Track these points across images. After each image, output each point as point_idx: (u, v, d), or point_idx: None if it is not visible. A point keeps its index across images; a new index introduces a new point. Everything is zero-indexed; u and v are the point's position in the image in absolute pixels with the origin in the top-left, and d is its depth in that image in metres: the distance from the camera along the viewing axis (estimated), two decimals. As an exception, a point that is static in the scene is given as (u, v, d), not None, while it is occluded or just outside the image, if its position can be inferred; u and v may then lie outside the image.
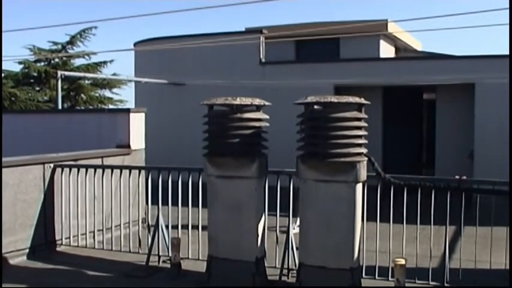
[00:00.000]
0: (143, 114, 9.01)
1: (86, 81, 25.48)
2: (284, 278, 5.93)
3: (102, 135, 8.76)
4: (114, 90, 26.79)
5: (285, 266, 5.94)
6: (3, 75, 25.16)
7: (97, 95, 26.48)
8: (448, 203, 5.40)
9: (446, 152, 13.09)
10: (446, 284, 5.49)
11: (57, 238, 7.31)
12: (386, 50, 16.43)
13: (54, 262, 6.78)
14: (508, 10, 7.57)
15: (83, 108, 24.48)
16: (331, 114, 5.13)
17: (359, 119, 5.23)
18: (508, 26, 7.42)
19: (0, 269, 5.93)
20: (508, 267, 5.24)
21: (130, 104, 22.87)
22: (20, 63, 25.05)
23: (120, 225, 7.10)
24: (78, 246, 7.29)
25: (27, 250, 6.91)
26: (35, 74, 25.28)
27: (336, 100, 5.18)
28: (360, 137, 5.23)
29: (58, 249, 7.30)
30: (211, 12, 73.12)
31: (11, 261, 6.63)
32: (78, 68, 25.26)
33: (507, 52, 8.92)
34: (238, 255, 5.63)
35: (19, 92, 23.79)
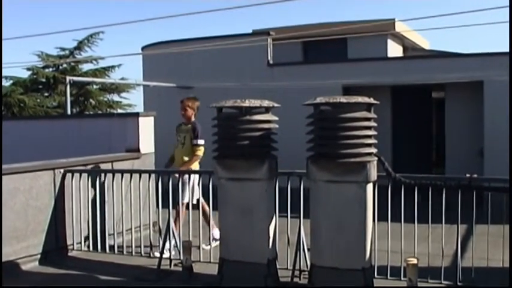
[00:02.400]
0: (152, 118, 9.03)
1: (94, 86, 25.62)
2: (296, 280, 5.92)
3: (112, 140, 8.77)
4: (123, 94, 26.98)
5: (297, 267, 5.93)
6: (12, 81, 25.36)
7: (105, 99, 26.62)
8: (460, 202, 5.38)
9: (456, 150, 13.03)
10: (459, 283, 5.45)
11: (68, 243, 7.33)
12: (394, 49, 16.40)
13: (66, 267, 6.79)
14: (508, 8, 7.53)
15: (91, 113, 24.58)
16: (341, 114, 5.12)
17: (368, 119, 5.22)
18: (508, 25, 7.38)
19: (0, 270, 5.97)
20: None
21: (139, 108, 22.98)
22: (28, 69, 25.27)
23: (131, 229, 7.12)
24: (89, 251, 7.32)
25: (39, 255, 6.93)
26: (43, 80, 25.45)
27: (345, 100, 5.17)
28: (369, 137, 5.22)
29: (70, 254, 7.32)
30: (217, 15, 73.31)
31: (23, 267, 6.65)
32: (86, 73, 25.41)
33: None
34: (250, 257, 5.63)
35: (28, 98, 23.95)
